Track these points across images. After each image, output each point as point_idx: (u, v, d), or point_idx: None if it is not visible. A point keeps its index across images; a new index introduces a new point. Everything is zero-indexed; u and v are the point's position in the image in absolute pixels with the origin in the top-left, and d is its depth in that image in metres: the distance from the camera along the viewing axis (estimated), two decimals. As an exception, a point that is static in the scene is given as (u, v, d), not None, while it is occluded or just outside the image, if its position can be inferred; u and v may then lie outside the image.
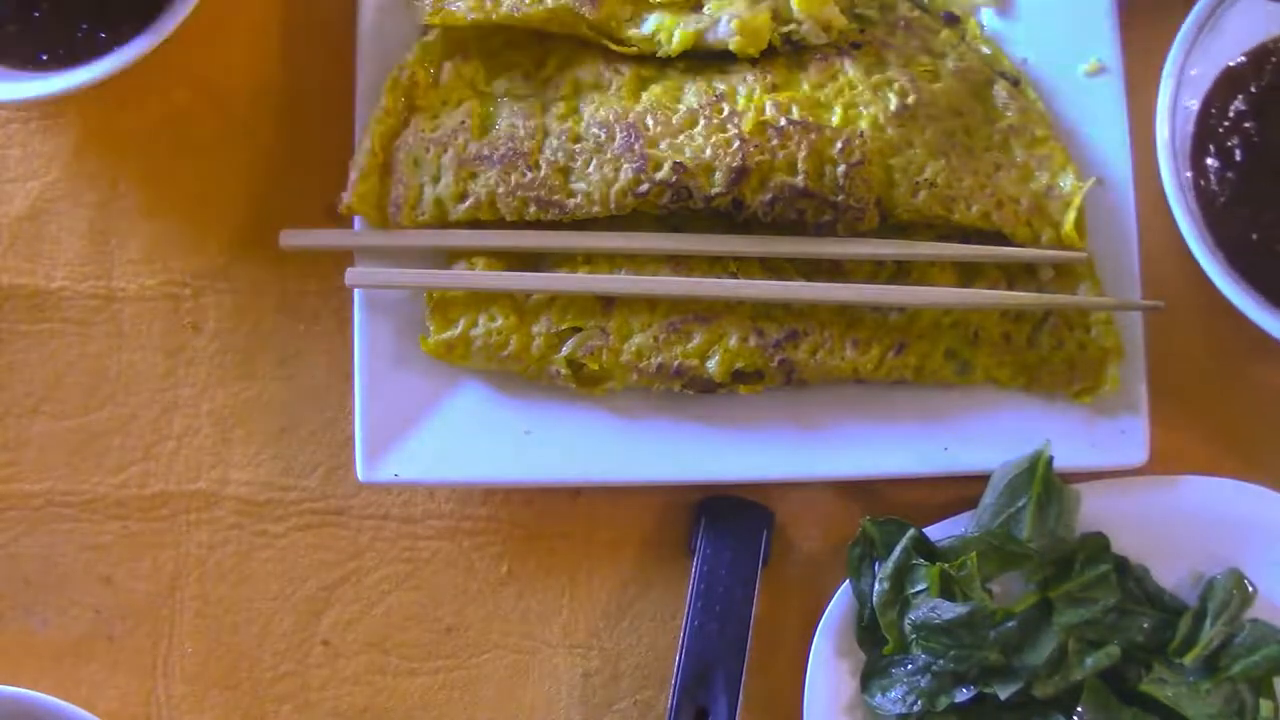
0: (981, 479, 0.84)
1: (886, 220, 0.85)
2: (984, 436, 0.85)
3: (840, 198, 0.83)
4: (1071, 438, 0.85)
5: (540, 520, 0.90)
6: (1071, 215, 0.86)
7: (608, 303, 0.85)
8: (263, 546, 0.89)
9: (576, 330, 0.85)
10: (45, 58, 0.85)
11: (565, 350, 0.85)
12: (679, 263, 0.85)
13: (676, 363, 0.84)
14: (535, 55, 0.88)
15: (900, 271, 0.86)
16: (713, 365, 0.84)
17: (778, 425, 0.86)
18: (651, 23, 0.86)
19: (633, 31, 0.86)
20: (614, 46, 0.86)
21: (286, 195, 0.90)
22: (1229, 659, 0.83)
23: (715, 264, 0.85)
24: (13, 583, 0.89)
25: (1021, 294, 0.86)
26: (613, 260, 0.85)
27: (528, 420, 0.86)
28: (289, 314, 0.91)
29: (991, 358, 0.86)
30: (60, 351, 0.90)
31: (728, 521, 0.87)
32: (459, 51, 0.87)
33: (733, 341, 0.84)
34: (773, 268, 0.86)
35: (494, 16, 0.85)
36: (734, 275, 0.85)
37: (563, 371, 0.85)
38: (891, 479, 0.87)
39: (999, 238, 0.86)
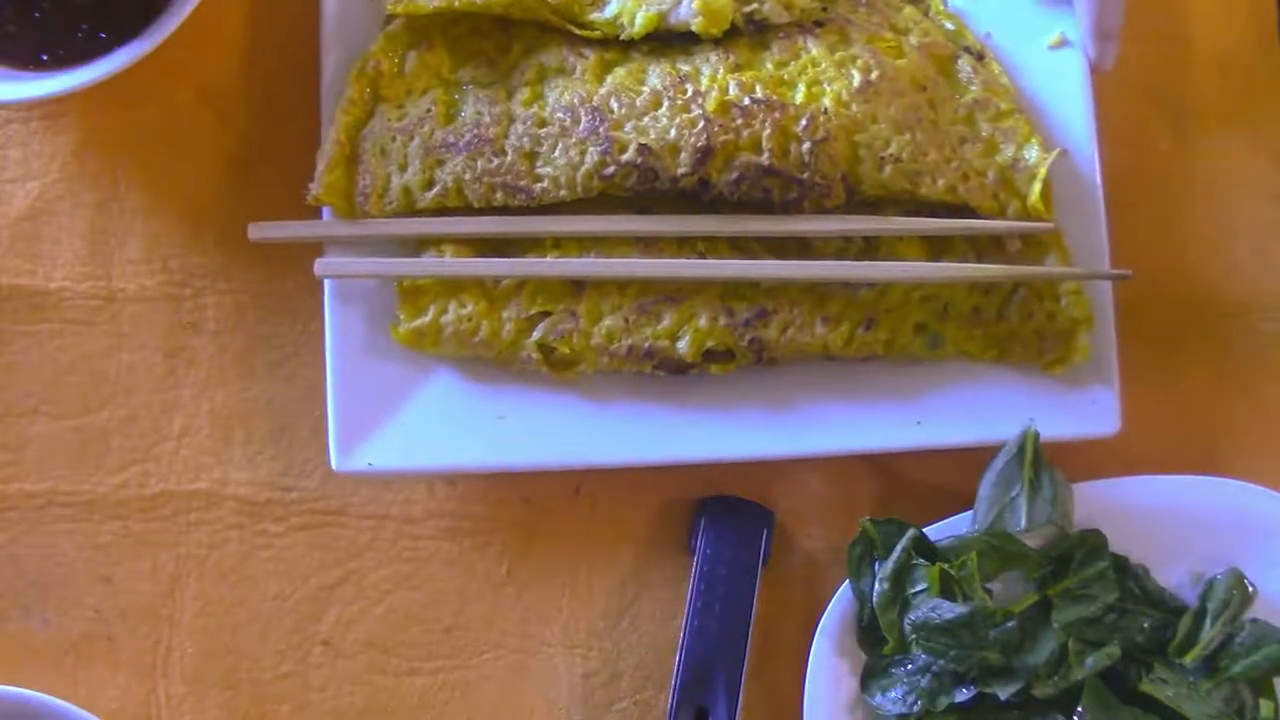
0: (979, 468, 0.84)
1: (853, 196, 0.86)
2: (956, 409, 0.86)
3: (806, 175, 0.84)
4: (1043, 409, 0.85)
5: (540, 520, 0.90)
6: (1037, 186, 0.86)
7: (577, 286, 0.85)
8: (263, 546, 0.89)
9: (546, 314, 0.85)
10: (45, 58, 0.85)
11: (536, 335, 0.85)
12: (648, 244, 0.85)
13: (647, 344, 0.84)
14: (499, 42, 0.88)
15: (869, 247, 0.87)
16: (683, 346, 0.84)
17: (750, 404, 0.86)
18: (614, 6, 0.86)
19: (595, 15, 0.86)
20: (577, 31, 0.87)
21: (287, 194, 0.90)
22: (1229, 659, 0.83)
23: (684, 245, 0.86)
24: (13, 583, 0.89)
25: (989, 266, 0.86)
26: (581, 243, 0.85)
27: (501, 406, 0.86)
28: (288, 314, 0.90)
29: (962, 331, 0.86)
30: (60, 351, 0.90)
31: (728, 521, 0.87)
32: (423, 40, 0.87)
33: (702, 321, 0.85)
34: (741, 247, 0.86)
35: (456, 4, 0.85)
36: (702, 255, 0.85)
37: (534, 356, 0.85)
38: (865, 454, 0.87)
39: (966, 211, 0.87)
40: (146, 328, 0.90)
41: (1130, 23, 0.94)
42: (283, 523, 0.89)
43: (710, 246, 0.86)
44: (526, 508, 0.90)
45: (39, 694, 0.83)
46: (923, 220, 0.86)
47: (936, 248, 0.87)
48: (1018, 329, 0.87)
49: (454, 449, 0.85)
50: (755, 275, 0.85)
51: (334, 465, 0.84)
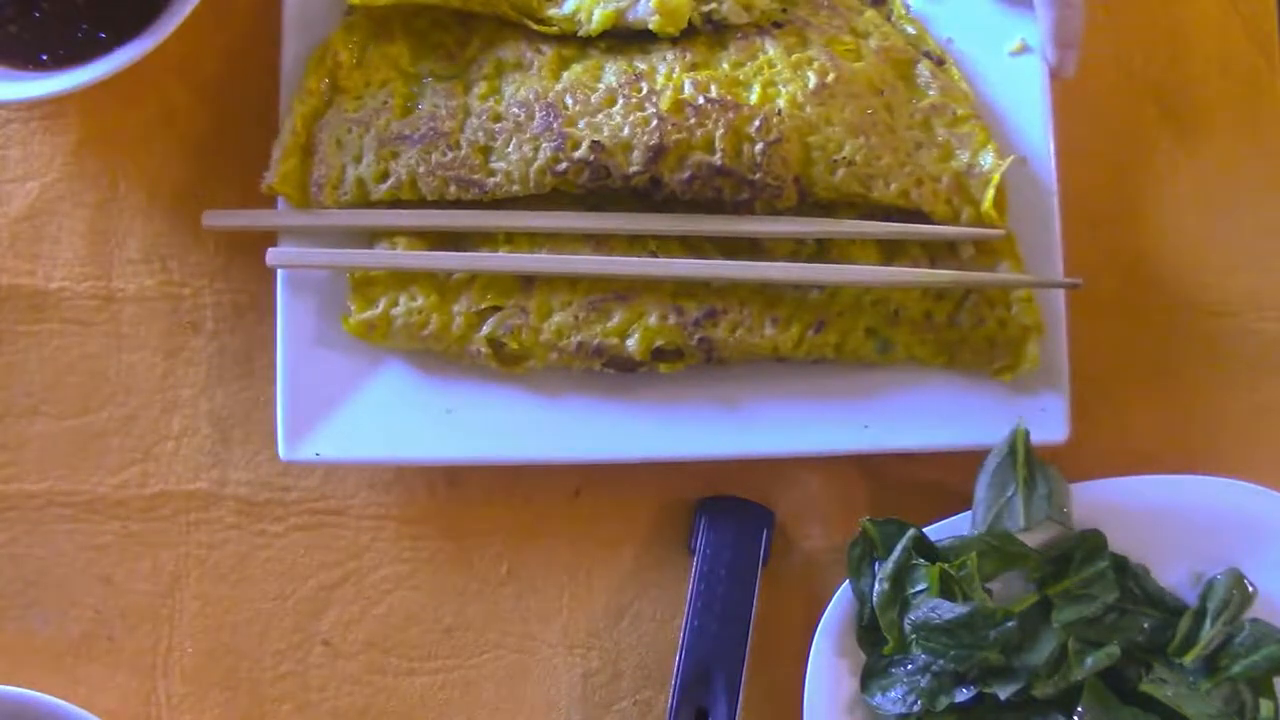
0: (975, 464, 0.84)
1: (806, 198, 0.86)
2: (904, 414, 0.86)
3: (757, 176, 0.84)
4: (992, 415, 0.85)
5: (540, 520, 0.90)
6: (990, 193, 0.86)
7: (528, 282, 0.85)
8: (262, 546, 0.89)
9: (497, 309, 0.85)
10: (45, 58, 0.85)
11: (486, 329, 0.85)
12: (599, 242, 0.85)
13: (596, 341, 0.84)
14: (459, 36, 0.89)
15: (821, 250, 0.87)
16: (632, 343, 0.84)
17: (698, 404, 0.86)
18: (572, 2, 0.87)
19: (553, 11, 0.87)
20: (535, 26, 0.87)
21: (286, 195, 0.90)
22: (1229, 659, 0.83)
23: (635, 243, 0.86)
24: (13, 583, 0.89)
25: (939, 272, 0.86)
26: (533, 239, 0.86)
27: (449, 399, 0.86)
28: (289, 314, 0.90)
29: (913, 336, 0.86)
30: (60, 352, 0.90)
31: (728, 521, 0.87)
32: (383, 32, 0.88)
33: (652, 320, 0.85)
34: (692, 246, 0.86)
35: None
36: (654, 254, 0.86)
37: (483, 350, 0.85)
38: (811, 457, 0.87)
39: (920, 216, 0.86)
40: (146, 328, 0.90)
41: (1131, 22, 0.94)
42: (282, 523, 0.89)
43: (662, 245, 0.86)
44: (526, 508, 0.90)
45: (39, 694, 0.83)
46: (873, 224, 0.86)
47: (889, 252, 0.87)
48: (968, 335, 0.86)
49: (402, 441, 0.85)
50: (706, 275, 0.85)
51: (281, 454, 0.84)
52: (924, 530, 0.83)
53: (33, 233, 0.91)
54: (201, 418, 0.90)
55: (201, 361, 0.90)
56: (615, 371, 0.85)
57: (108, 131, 0.92)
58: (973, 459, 0.84)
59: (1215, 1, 0.95)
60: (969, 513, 0.84)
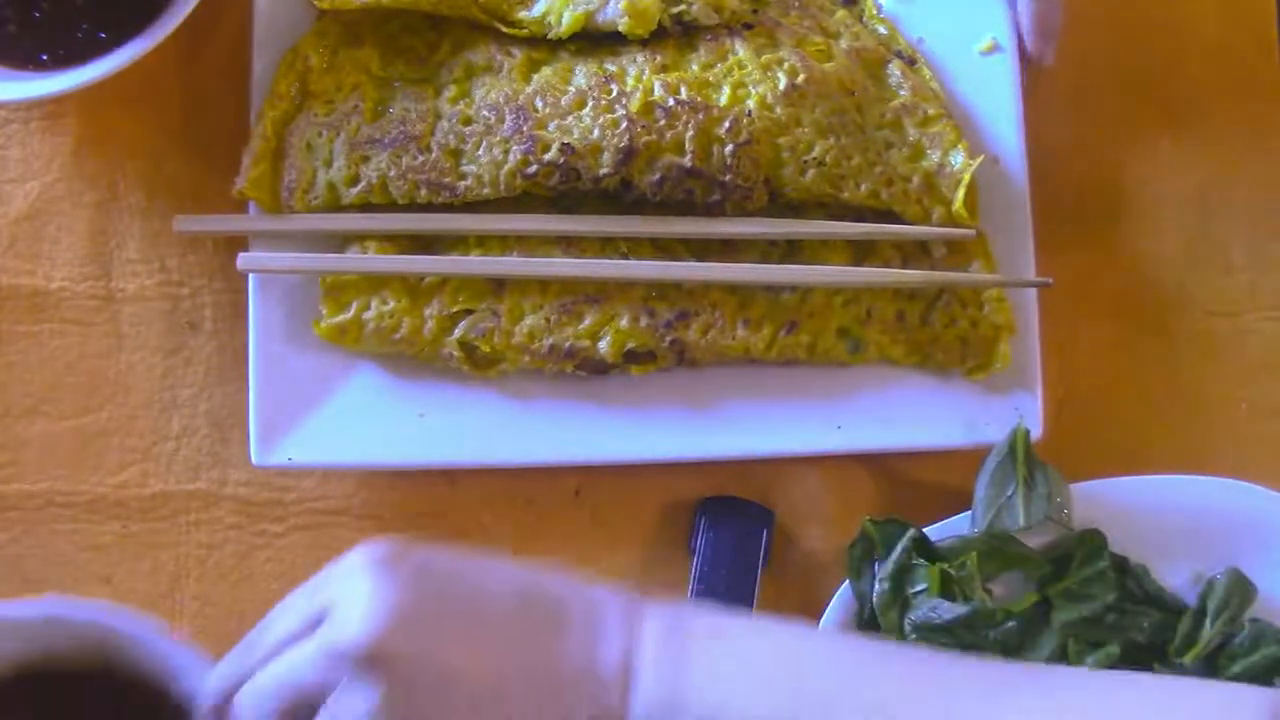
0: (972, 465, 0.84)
1: (776, 200, 0.86)
2: (877, 414, 0.86)
3: (728, 177, 0.84)
4: (966, 415, 0.86)
5: (540, 521, 0.90)
6: (961, 192, 0.86)
7: (499, 284, 0.85)
8: (262, 546, 0.89)
9: (469, 312, 0.85)
10: (45, 58, 0.85)
11: (457, 332, 0.85)
12: (571, 244, 0.86)
13: (568, 344, 0.84)
14: (429, 39, 0.89)
15: (792, 251, 0.87)
16: (604, 346, 0.84)
17: (671, 406, 0.86)
18: (541, 5, 0.86)
19: (523, 14, 0.87)
20: (505, 29, 0.87)
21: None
22: (1229, 659, 0.83)
23: (607, 245, 0.86)
24: (13, 583, 0.89)
25: (909, 272, 0.86)
26: (504, 242, 0.86)
27: (422, 403, 0.86)
28: (288, 314, 0.90)
29: (885, 336, 0.86)
30: (60, 352, 0.90)
31: (728, 521, 0.87)
32: (354, 37, 0.88)
33: (624, 322, 0.85)
34: (664, 248, 0.86)
35: (384, 0, 0.86)
36: (625, 256, 0.86)
37: (455, 354, 0.85)
38: (783, 458, 0.87)
39: (891, 216, 0.87)
40: (146, 328, 0.90)
41: (1130, 21, 0.94)
42: (282, 523, 0.89)
43: (633, 247, 0.86)
44: (527, 508, 0.90)
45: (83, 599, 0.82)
46: (845, 225, 0.86)
47: (860, 253, 0.87)
48: (940, 335, 0.86)
49: (375, 445, 0.85)
50: (677, 277, 0.85)
51: (253, 459, 0.84)
52: (924, 530, 0.83)
53: (33, 233, 0.91)
54: (201, 418, 0.90)
55: (201, 361, 0.90)
56: (587, 374, 0.85)
57: (108, 132, 0.92)
58: (973, 459, 0.85)
59: (1214, 0, 0.95)
60: (969, 513, 0.84)
